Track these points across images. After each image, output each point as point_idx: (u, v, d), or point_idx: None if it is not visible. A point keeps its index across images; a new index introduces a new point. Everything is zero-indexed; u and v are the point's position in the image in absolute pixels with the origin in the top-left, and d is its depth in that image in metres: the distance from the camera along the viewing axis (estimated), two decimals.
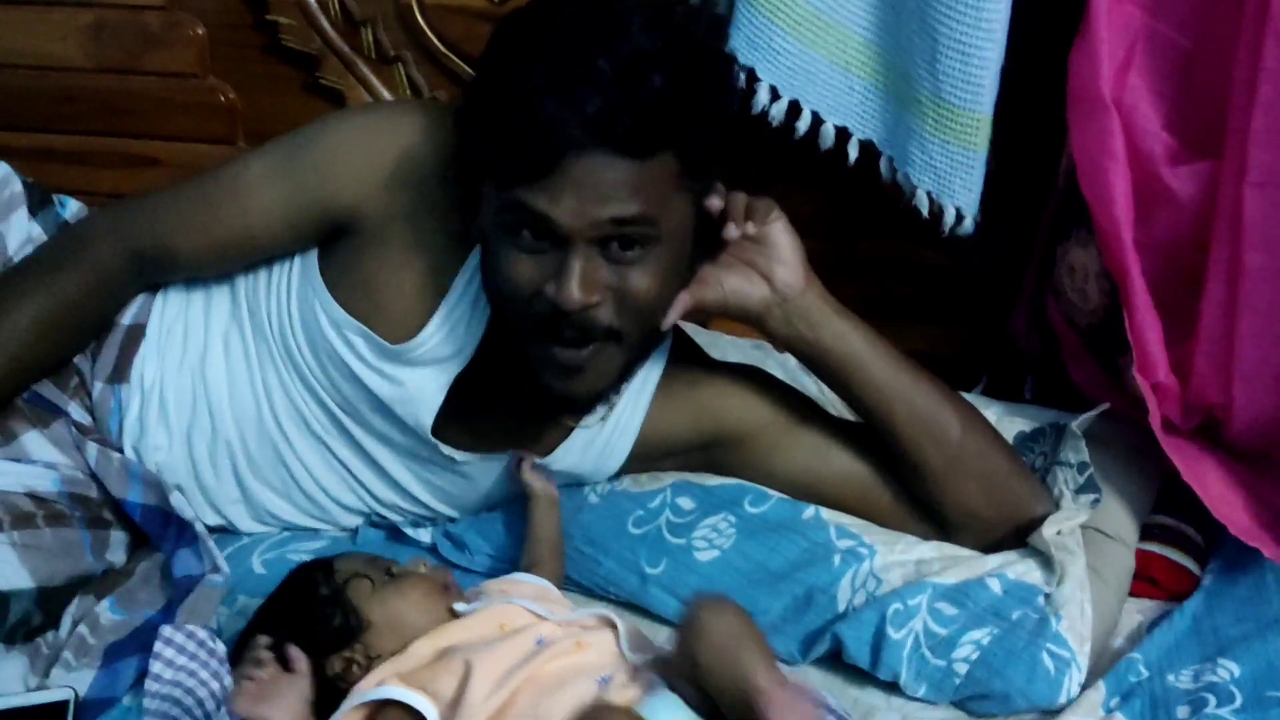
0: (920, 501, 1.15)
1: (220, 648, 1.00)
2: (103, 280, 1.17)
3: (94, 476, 1.16)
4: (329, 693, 0.95)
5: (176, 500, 1.14)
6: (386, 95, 1.57)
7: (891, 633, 1.05)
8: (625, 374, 1.11)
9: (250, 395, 1.20)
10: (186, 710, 0.94)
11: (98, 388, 1.21)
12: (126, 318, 1.21)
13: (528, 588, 1.06)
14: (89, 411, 1.21)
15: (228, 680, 0.98)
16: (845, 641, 1.06)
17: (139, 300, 1.22)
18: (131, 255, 1.17)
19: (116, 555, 1.17)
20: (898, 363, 1.13)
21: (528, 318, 1.02)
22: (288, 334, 1.17)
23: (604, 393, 1.10)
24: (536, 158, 0.96)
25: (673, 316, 1.07)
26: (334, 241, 1.14)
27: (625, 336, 1.04)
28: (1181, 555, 1.20)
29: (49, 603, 1.08)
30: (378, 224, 1.10)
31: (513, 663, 0.91)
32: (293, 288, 1.17)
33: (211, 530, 1.20)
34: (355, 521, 1.29)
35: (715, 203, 1.05)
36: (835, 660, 1.08)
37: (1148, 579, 1.18)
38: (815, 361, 1.13)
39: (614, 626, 0.95)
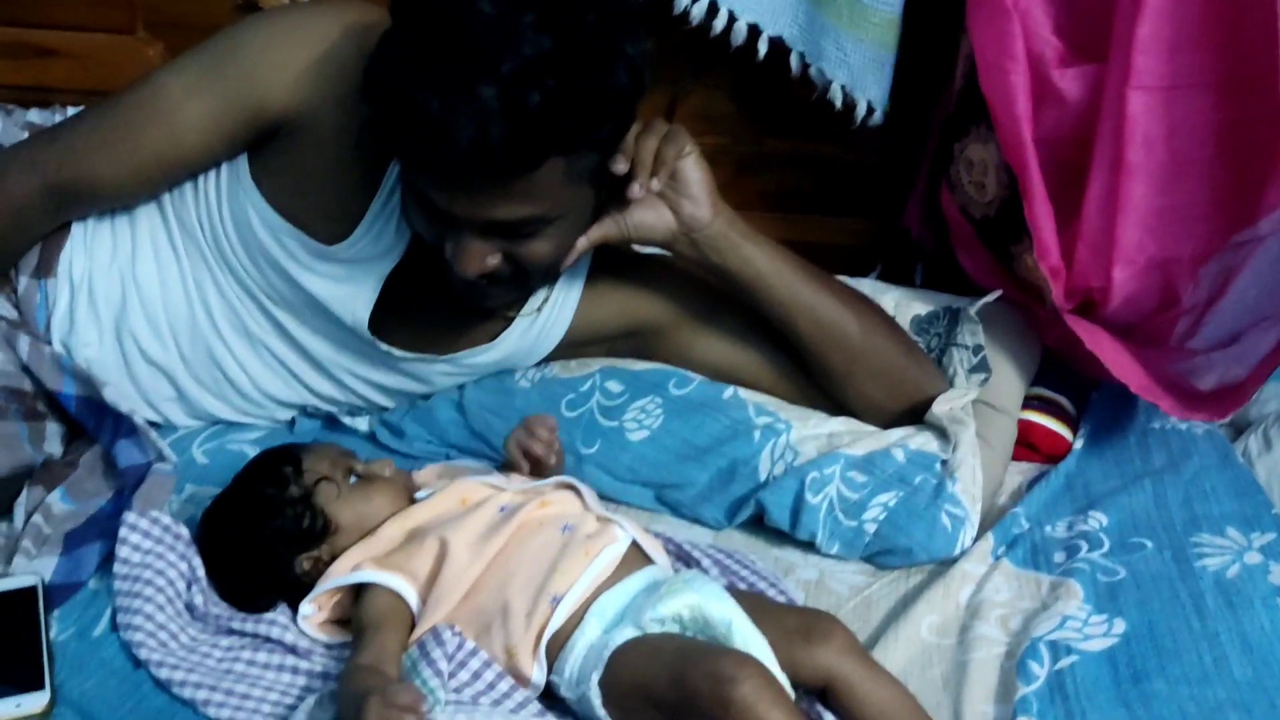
0: (827, 395, 1.23)
1: (184, 531, 1.03)
2: (17, 218, 1.15)
3: (27, 369, 1.16)
4: (294, 583, 0.99)
5: (110, 394, 1.15)
6: None
7: (809, 498, 1.15)
8: (532, 293, 1.17)
9: (183, 296, 1.21)
10: (159, 590, 0.97)
11: (23, 282, 1.19)
12: None
13: (471, 469, 1.11)
14: (15, 306, 1.20)
15: (196, 561, 1.01)
16: (767, 507, 1.16)
17: None
18: (48, 191, 1.13)
19: (53, 446, 1.18)
20: (801, 277, 1.18)
21: (436, 250, 1.06)
22: (220, 236, 1.17)
23: (513, 307, 1.17)
24: (426, 164, 0.98)
25: (570, 261, 1.12)
26: (264, 145, 1.13)
27: (524, 282, 1.10)
28: (1056, 423, 1.33)
29: None
30: (308, 126, 1.10)
31: (483, 531, 0.96)
32: (223, 191, 1.16)
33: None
34: (290, 415, 1.32)
35: (620, 167, 1.05)
36: (757, 524, 1.18)
37: (1027, 445, 1.31)
38: (722, 282, 1.18)
39: (575, 488, 1.01)
